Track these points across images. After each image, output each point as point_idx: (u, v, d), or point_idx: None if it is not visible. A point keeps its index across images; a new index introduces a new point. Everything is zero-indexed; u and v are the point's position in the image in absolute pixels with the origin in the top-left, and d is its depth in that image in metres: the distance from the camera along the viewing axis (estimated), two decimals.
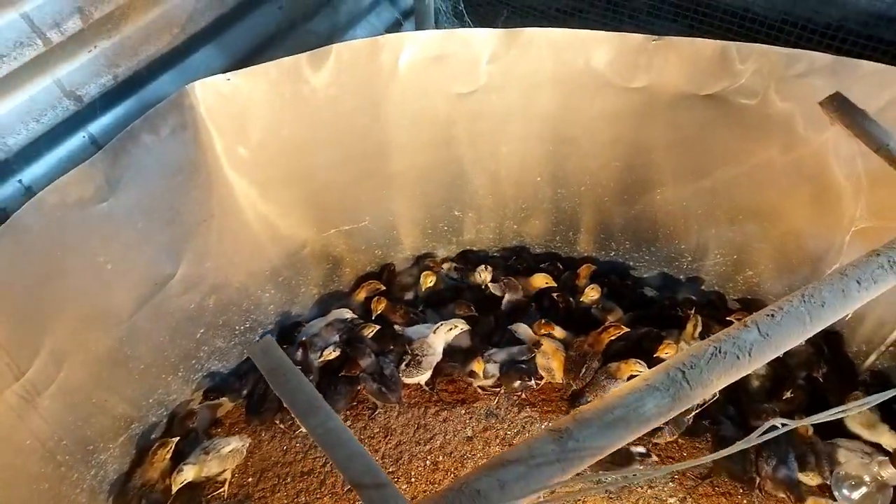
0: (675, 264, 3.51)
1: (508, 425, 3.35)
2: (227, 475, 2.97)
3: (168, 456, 2.83)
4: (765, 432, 1.29)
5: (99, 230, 2.21)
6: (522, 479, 1.34)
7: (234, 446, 2.96)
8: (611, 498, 3.07)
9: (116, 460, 2.79)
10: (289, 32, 2.89)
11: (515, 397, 3.43)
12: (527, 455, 1.38)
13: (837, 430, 2.98)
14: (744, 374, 1.54)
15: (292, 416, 3.20)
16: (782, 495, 2.87)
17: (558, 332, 3.31)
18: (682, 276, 3.54)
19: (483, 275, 3.56)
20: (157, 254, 2.48)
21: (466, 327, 3.28)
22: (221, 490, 2.97)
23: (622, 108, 2.78)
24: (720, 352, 1.52)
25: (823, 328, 1.63)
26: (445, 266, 3.66)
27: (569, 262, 3.70)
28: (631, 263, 3.63)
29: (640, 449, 2.93)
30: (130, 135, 2.14)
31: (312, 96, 2.49)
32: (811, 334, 1.61)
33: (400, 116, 2.75)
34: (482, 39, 2.60)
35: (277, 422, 3.21)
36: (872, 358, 3.10)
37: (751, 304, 3.41)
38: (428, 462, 3.20)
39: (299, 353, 3.12)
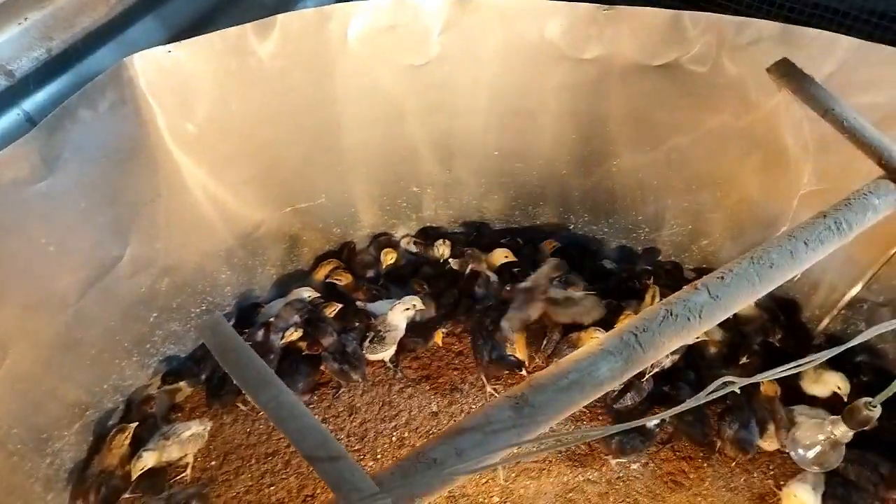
0: (632, 236, 3.55)
1: (473, 399, 3.36)
2: (189, 459, 2.93)
3: (126, 442, 2.77)
4: (714, 390, 1.31)
5: (38, 211, 2.11)
6: (479, 446, 1.34)
7: (194, 430, 2.92)
8: (575, 465, 3.12)
9: (73, 448, 2.72)
10: (235, 3, 2.78)
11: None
12: (483, 422, 1.39)
13: (797, 398, 3.09)
14: (695, 335, 1.57)
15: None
16: (742, 457, 2.99)
17: None
18: (639, 248, 3.58)
19: (441, 249, 3.56)
20: (101, 235, 2.38)
21: (422, 307, 3.27)
22: (184, 474, 2.92)
23: (576, 80, 2.77)
24: (671, 314, 1.54)
25: (772, 290, 1.67)
26: (404, 241, 3.65)
27: (529, 236, 3.71)
28: (591, 236, 3.65)
29: (656, 421, 3.00)
30: (67, 111, 2.04)
31: (259, 69, 2.41)
32: (760, 295, 1.65)
33: (350, 89, 2.68)
34: (433, 9, 2.54)
35: (239, 404, 3.16)
36: (825, 322, 3.20)
37: (706, 273, 3.48)
38: (394, 438, 3.20)
39: (260, 333, 3.08)
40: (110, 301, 2.58)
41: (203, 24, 2.65)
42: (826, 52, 2.39)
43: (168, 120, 2.36)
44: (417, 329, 3.30)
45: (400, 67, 2.71)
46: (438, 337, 3.31)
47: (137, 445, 2.80)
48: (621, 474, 3.12)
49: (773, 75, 2.11)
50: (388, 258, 3.48)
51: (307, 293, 3.28)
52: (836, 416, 2.50)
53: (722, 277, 1.63)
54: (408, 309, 3.22)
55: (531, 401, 1.39)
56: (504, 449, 1.36)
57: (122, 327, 2.71)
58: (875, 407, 2.12)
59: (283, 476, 3.01)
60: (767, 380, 2.99)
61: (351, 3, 2.42)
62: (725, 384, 1.29)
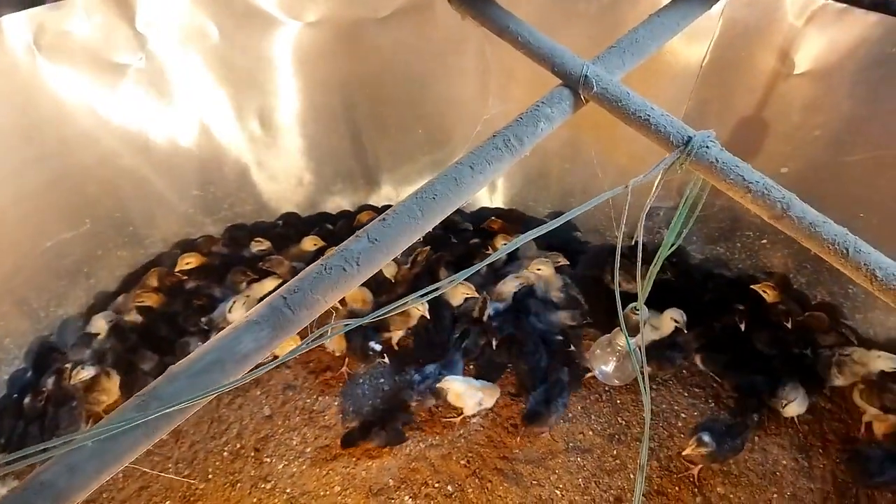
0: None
1: (307, 394, 3.26)
2: None
3: None
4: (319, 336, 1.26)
5: None
6: (97, 457, 1.23)
7: None
8: (416, 432, 3.07)
9: None
10: None
11: (312, 365, 3.36)
12: (104, 429, 1.27)
13: None
14: (355, 284, 1.50)
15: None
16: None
17: None
18: None
19: (258, 246, 3.43)
20: None
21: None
22: None
23: (309, 46, 2.67)
24: (327, 269, 1.46)
25: (439, 220, 1.62)
26: (215, 247, 3.49)
27: (340, 216, 3.61)
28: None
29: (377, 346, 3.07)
30: None
31: None
32: (426, 229, 1.59)
33: (67, 103, 2.47)
34: None
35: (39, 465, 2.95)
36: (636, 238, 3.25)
37: None
38: (226, 454, 3.06)
39: (51, 381, 2.86)
40: None
41: None
42: None
43: None
44: None
45: (114, 65, 2.50)
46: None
47: None
48: (462, 431, 3.10)
49: (454, 4, 2.05)
50: (185, 263, 3.28)
51: (102, 322, 3.06)
52: (616, 329, 2.55)
53: (384, 220, 1.56)
54: (244, 303, 3.12)
55: (160, 393, 1.29)
56: (131, 452, 1.25)
57: None
58: (639, 311, 2.13)
59: None
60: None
61: (23, 12, 2.21)
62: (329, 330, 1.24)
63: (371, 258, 1.50)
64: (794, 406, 2.93)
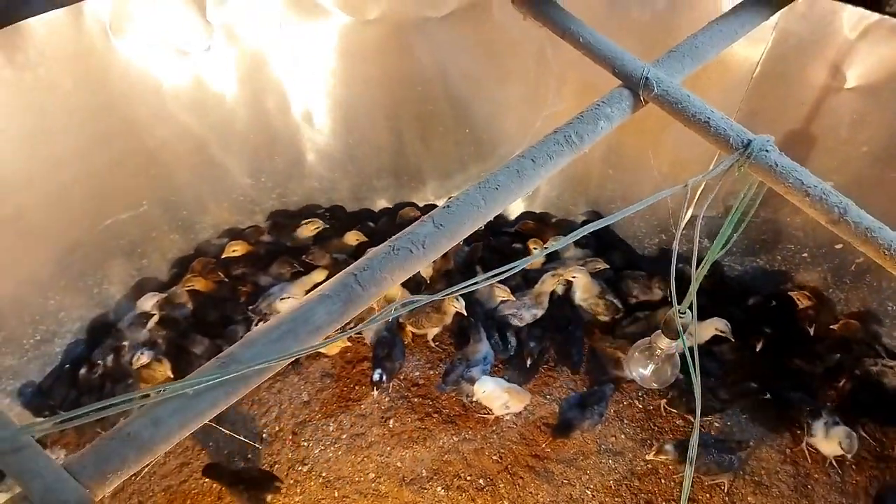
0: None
1: (344, 383, 3.34)
2: None
3: None
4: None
5: None
6: (180, 412, 1.30)
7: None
8: (449, 427, 3.12)
9: None
10: None
11: (350, 355, 3.43)
12: (187, 385, 1.35)
13: None
14: (420, 266, 1.56)
15: (112, 421, 3.08)
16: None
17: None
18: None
19: (305, 230, 3.51)
20: None
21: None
22: None
23: (368, 43, 2.75)
24: (394, 250, 1.53)
25: (501, 210, 1.68)
26: (262, 237, 3.58)
27: (382, 213, 3.69)
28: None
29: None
30: None
31: (18, 81, 2.28)
32: (488, 218, 1.65)
33: (136, 85, 2.58)
34: None
35: (98, 430, 3.07)
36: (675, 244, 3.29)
37: None
38: (265, 436, 3.14)
39: (110, 359, 2.98)
40: None
41: None
42: None
43: None
44: None
45: (181, 53, 2.61)
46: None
47: None
48: (495, 427, 3.15)
49: (517, 5, 2.12)
50: (231, 250, 3.38)
51: (150, 302, 3.17)
52: (657, 332, 2.57)
53: (448, 206, 1.63)
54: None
55: (238, 357, 1.36)
56: (211, 409, 1.33)
57: None
58: (685, 314, 2.16)
59: (151, 494, 2.94)
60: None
61: None
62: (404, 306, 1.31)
63: (436, 242, 1.57)
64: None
